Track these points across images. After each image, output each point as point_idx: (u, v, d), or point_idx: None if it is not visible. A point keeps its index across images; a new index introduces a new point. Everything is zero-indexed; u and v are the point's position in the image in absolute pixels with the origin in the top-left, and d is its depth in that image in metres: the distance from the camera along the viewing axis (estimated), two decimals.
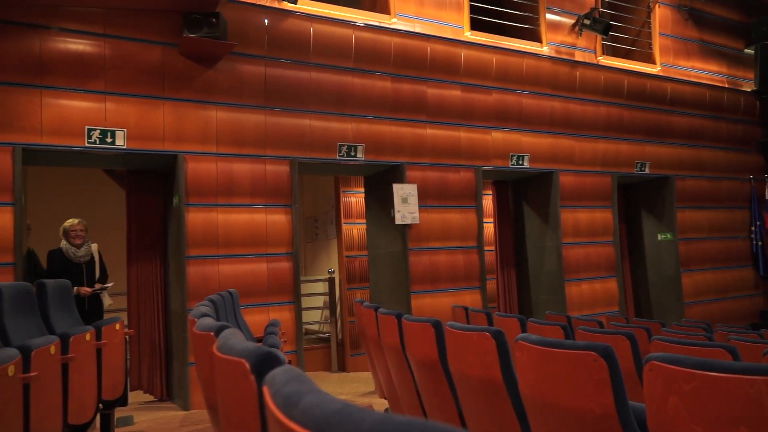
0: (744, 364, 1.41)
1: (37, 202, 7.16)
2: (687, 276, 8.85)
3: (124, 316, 5.38)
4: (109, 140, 5.12)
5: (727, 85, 9.69)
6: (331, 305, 7.56)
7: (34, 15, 4.90)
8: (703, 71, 9.42)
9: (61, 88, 4.99)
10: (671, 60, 9.01)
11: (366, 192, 7.36)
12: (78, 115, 5.04)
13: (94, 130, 5.08)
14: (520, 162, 7.46)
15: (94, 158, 5.35)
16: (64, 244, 5.24)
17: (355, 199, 7.94)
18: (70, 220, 5.34)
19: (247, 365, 1.10)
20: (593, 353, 1.76)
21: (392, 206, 6.49)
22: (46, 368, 2.52)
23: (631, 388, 1.99)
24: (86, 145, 5.04)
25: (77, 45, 5.08)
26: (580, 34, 7.93)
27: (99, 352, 3.41)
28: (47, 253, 5.29)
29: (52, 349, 2.61)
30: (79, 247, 5.25)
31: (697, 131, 9.32)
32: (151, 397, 5.71)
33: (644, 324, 5.14)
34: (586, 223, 7.96)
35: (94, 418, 3.33)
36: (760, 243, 9.84)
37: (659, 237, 8.97)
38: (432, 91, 6.84)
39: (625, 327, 4.83)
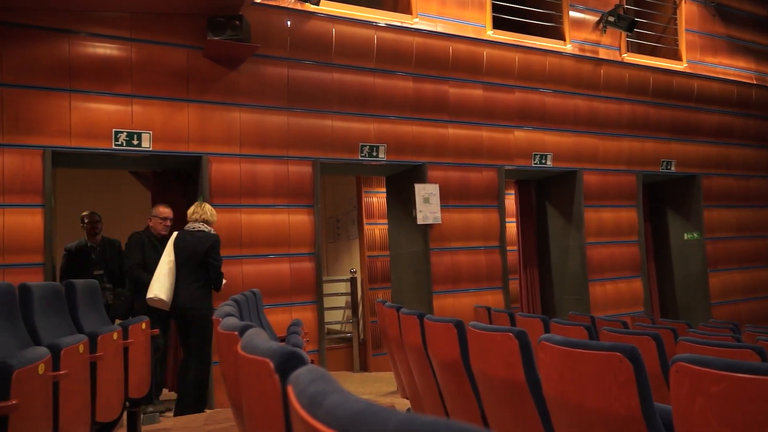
0: None
1: (65, 204, 7.29)
2: (714, 276, 8.69)
3: None
4: (135, 142, 5.20)
5: (755, 82, 9.50)
6: (353, 305, 7.58)
7: (62, 20, 5.00)
8: (731, 67, 9.25)
9: (89, 91, 5.08)
10: (698, 56, 8.86)
11: (388, 192, 7.37)
12: (105, 118, 5.13)
13: (121, 132, 5.16)
14: (544, 161, 7.41)
15: (120, 160, 5.44)
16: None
17: (377, 199, 7.95)
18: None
19: (272, 365, 1.11)
20: (619, 354, 1.75)
21: (414, 206, 6.48)
22: (76, 367, 2.57)
23: (657, 390, 1.97)
24: (113, 147, 5.13)
25: (104, 49, 5.17)
26: (605, 32, 7.84)
27: (126, 350, 3.47)
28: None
29: (81, 348, 2.66)
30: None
31: (725, 129, 9.16)
32: (175, 396, 5.78)
33: (670, 325, 5.07)
34: (610, 223, 7.87)
35: (121, 415, 3.39)
36: None
37: (686, 236, 8.82)
38: (454, 91, 6.82)
39: (650, 328, 4.77)
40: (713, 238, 8.79)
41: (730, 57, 9.28)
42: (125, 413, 3.64)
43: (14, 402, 1.80)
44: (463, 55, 6.83)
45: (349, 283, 7.70)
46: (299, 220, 5.84)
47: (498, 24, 7.13)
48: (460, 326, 2.93)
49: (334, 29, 6.11)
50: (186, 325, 4.81)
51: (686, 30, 8.75)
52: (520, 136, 7.27)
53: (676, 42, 8.73)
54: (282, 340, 3.39)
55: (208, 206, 4.97)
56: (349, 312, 7.93)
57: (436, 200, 6.55)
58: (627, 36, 8.07)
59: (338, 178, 8.83)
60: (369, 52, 6.30)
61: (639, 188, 8.18)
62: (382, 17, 6.42)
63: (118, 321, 4.63)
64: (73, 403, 2.53)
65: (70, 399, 2.47)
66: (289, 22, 5.90)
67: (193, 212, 4.91)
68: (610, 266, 7.79)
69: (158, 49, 5.36)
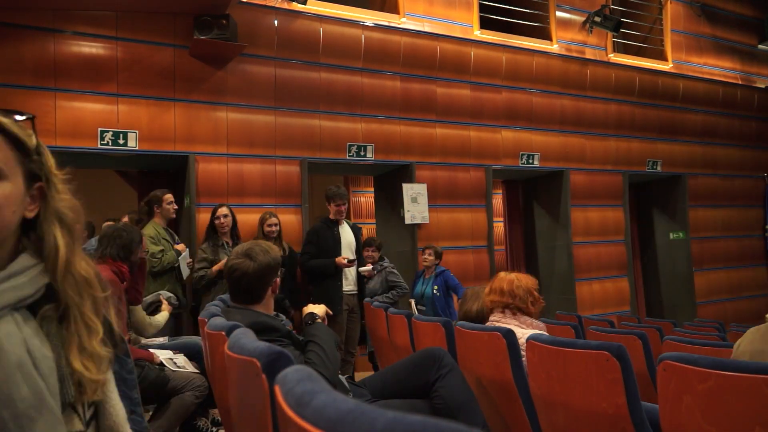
0: (759, 363, 1.40)
1: None
2: (700, 275, 8.77)
3: None
4: (121, 142, 5.16)
5: (740, 82, 9.60)
6: None
7: (47, 19, 4.94)
8: (716, 68, 9.34)
9: (74, 90, 5.03)
10: (683, 57, 8.93)
11: (376, 192, 7.36)
12: (91, 117, 5.08)
13: (107, 131, 5.11)
14: (531, 161, 7.43)
15: (106, 160, 5.39)
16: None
17: (365, 198, 7.96)
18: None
19: (259, 364, 1.10)
20: (606, 353, 1.76)
21: (402, 206, 6.48)
22: None
23: (643, 389, 1.98)
24: (99, 146, 5.08)
25: (90, 48, 5.13)
26: (591, 32, 7.88)
27: None
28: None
29: None
30: None
31: (710, 129, 9.24)
32: None
33: (656, 324, 5.11)
34: (597, 222, 7.92)
35: None
36: None
37: (671, 236, 8.90)
38: (441, 91, 6.82)
39: (636, 327, 4.80)
40: (699, 238, 8.86)
41: (716, 57, 9.37)
42: None
43: None
44: (450, 54, 6.84)
45: None
46: (287, 219, 5.82)
47: (485, 24, 7.15)
48: (447, 326, 2.93)
49: (322, 29, 6.10)
50: None
51: (672, 30, 8.82)
52: (508, 135, 7.29)
53: (661, 42, 8.79)
54: None
55: None
56: None
57: (423, 200, 6.55)
58: (613, 36, 8.12)
59: (326, 178, 8.81)
60: (356, 52, 6.29)
61: (625, 188, 8.23)
62: (369, 17, 6.41)
63: None
64: None
65: None
66: (276, 22, 5.87)
67: None
68: (597, 266, 7.84)
69: (144, 48, 5.32)
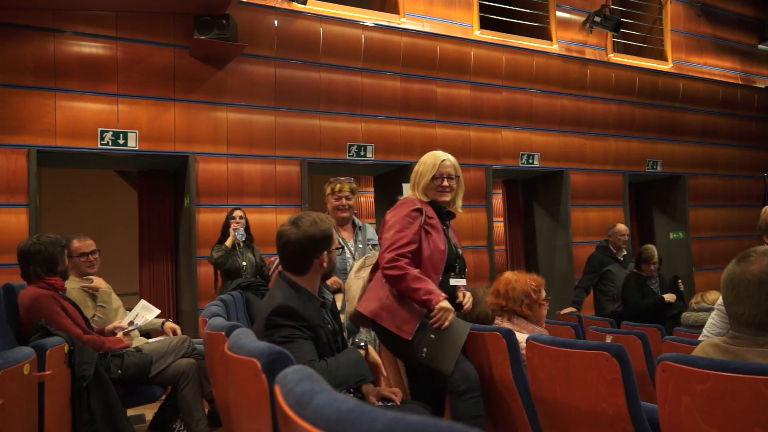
0: (759, 364, 1.40)
1: (50, 204, 7.22)
2: (700, 275, 8.76)
3: None
4: (121, 142, 5.16)
5: (740, 82, 9.59)
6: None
7: (48, 19, 4.95)
8: (716, 68, 9.33)
9: (74, 90, 5.04)
10: (683, 57, 8.93)
11: (376, 192, 7.36)
12: (91, 117, 5.08)
13: (107, 131, 5.11)
14: (531, 161, 7.43)
15: (106, 160, 5.39)
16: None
17: (365, 199, 7.95)
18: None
19: (259, 364, 1.10)
20: (606, 353, 1.76)
21: None
22: (61, 367, 2.54)
23: (643, 389, 1.98)
24: (99, 146, 5.08)
25: (90, 48, 5.13)
26: (591, 32, 7.87)
27: None
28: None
29: (66, 348, 2.64)
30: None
31: (710, 128, 9.24)
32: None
33: (656, 324, 5.10)
34: (597, 222, 7.91)
35: None
36: None
37: (671, 236, 8.89)
38: (441, 91, 6.82)
39: (636, 327, 4.80)
40: (699, 238, 8.86)
41: (716, 57, 9.36)
42: None
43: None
44: (450, 54, 6.84)
45: None
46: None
47: (485, 24, 7.15)
48: None
49: (322, 29, 6.10)
50: None
51: (672, 30, 8.81)
52: (508, 135, 7.29)
53: (661, 42, 8.79)
54: None
55: None
56: None
57: None
58: (613, 36, 8.11)
59: (326, 178, 8.81)
60: (356, 52, 6.29)
61: (625, 188, 8.23)
62: (369, 17, 6.41)
63: None
64: (58, 403, 2.51)
65: (54, 399, 2.45)
66: (276, 22, 5.87)
67: None
68: None
69: (144, 48, 5.32)
